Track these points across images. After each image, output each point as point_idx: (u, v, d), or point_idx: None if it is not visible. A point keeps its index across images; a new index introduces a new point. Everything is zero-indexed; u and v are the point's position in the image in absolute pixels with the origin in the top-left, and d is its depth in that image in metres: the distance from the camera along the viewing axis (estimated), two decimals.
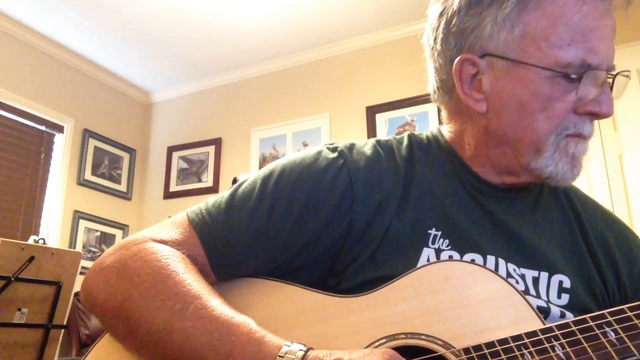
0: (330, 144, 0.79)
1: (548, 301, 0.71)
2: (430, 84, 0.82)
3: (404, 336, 0.61)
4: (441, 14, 0.75)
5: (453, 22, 0.73)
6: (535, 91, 0.69)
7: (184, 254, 0.69)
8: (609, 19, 0.68)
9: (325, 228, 0.71)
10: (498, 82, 0.72)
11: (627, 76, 0.72)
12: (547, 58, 0.67)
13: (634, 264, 0.79)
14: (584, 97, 0.68)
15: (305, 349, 0.57)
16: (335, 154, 0.76)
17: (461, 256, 0.71)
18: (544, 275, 0.73)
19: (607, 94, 0.69)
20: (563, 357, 0.54)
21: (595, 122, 0.73)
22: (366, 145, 0.79)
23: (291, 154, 0.78)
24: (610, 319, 0.57)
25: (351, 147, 0.78)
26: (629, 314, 0.56)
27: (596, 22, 0.67)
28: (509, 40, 0.69)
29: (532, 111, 0.69)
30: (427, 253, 0.71)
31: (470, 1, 0.71)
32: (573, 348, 0.55)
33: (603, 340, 0.55)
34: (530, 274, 0.73)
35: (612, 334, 0.55)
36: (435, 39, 0.77)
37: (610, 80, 0.70)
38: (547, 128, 0.70)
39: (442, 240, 0.72)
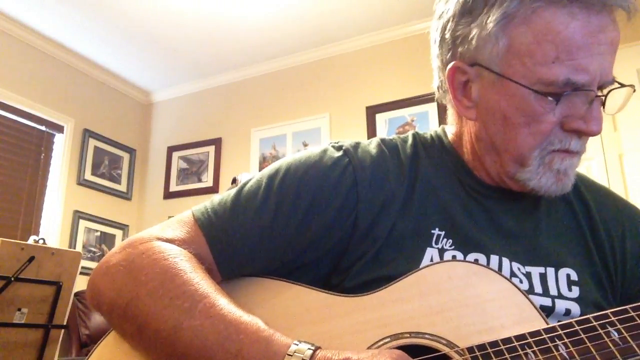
0: (335, 143, 0.79)
1: (559, 295, 0.71)
2: (434, 81, 0.81)
3: (408, 335, 0.61)
4: (440, 17, 0.75)
5: (447, 28, 0.73)
6: (519, 106, 0.67)
7: (190, 252, 0.69)
8: (604, 33, 0.64)
9: (330, 226, 0.71)
10: (485, 93, 0.71)
11: (632, 86, 0.68)
12: (531, 75, 0.65)
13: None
14: (571, 114, 0.66)
15: (313, 347, 0.57)
16: (341, 153, 0.76)
17: (464, 256, 0.71)
18: (551, 271, 0.73)
19: (595, 112, 0.66)
20: (566, 356, 0.55)
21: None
22: (371, 144, 0.79)
23: (296, 153, 0.78)
24: (613, 318, 0.57)
25: (356, 146, 0.78)
26: (632, 314, 0.57)
27: (586, 39, 0.63)
28: (494, 54, 0.68)
29: (516, 126, 0.69)
30: (431, 253, 0.71)
31: (463, 10, 0.70)
32: (576, 347, 0.55)
33: (606, 339, 0.55)
34: (536, 270, 0.73)
35: (615, 333, 0.55)
36: (435, 40, 0.77)
37: (604, 97, 0.68)
38: (530, 143, 0.69)
39: (445, 240, 0.72)
